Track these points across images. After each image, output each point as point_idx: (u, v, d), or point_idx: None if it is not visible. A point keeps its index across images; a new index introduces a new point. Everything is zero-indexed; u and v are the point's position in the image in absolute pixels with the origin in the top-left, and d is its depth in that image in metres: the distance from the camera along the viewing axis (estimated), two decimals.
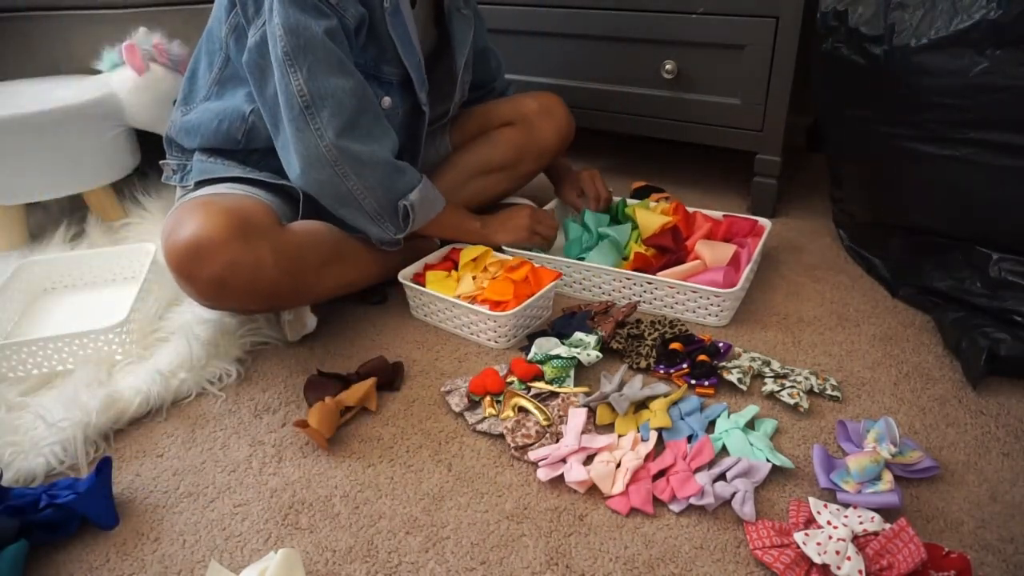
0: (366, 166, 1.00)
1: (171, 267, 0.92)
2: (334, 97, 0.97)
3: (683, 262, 1.17)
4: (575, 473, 0.81)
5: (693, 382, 0.96)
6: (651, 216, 1.25)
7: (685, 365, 0.98)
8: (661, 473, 0.81)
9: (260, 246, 0.93)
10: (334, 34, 0.97)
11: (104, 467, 0.81)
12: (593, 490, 0.81)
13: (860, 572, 0.66)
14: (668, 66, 1.43)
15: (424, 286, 1.12)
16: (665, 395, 0.92)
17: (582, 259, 1.20)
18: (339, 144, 0.97)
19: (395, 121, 1.13)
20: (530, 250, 1.22)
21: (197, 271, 0.91)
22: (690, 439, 0.87)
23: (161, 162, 1.19)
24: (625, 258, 1.22)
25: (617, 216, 1.33)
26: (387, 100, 1.10)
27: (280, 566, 0.68)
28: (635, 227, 1.28)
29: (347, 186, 1.00)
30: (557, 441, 0.87)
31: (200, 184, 1.07)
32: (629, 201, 1.35)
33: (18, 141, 1.35)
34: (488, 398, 0.93)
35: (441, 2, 1.18)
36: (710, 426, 0.89)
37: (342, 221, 1.09)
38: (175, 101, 1.17)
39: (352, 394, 0.93)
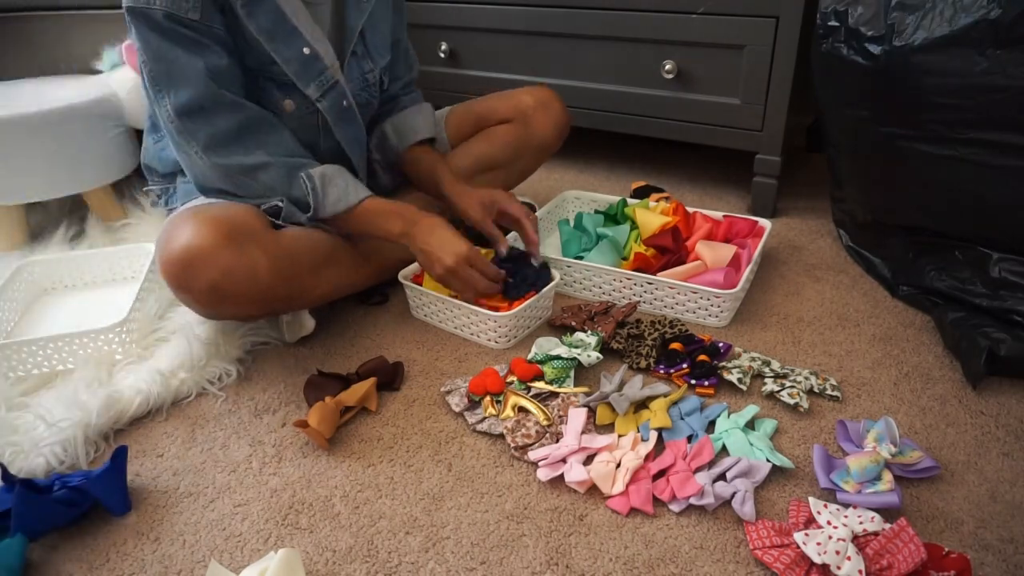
0: (256, 171, 0.98)
1: (167, 279, 0.92)
2: (203, 117, 0.94)
3: (683, 262, 1.17)
4: (575, 473, 0.81)
5: (693, 382, 0.96)
6: (651, 216, 1.25)
7: (685, 365, 0.98)
8: (661, 473, 0.81)
9: (253, 251, 0.93)
10: (203, 51, 0.93)
11: (120, 455, 0.82)
12: (593, 490, 0.81)
13: (860, 572, 0.66)
14: (668, 66, 1.43)
15: (423, 286, 1.12)
16: (665, 395, 0.92)
17: (581, 259, 1.20)
18: (219, 163, 0.96)
19: (308, 121, 1.06)
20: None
21: (192, 281, 0.90)
22: (690, 439, 0.87)
23: (145, 189, 1.19)
24: (625, 258, 1.22)
25: (616, 217, 1.33)
26: (288, 103, 1.04)
27: (280, 566, 0.68)
28: (635, 227, 1.28)
29: (248, 192, 0.99)
30: (557, 441, 0.87)
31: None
32: (630, 201, 1.35)
33: (18, 141, 1.35)
34: (488, 398, 0.93)
35: None
36: (710, 426, 0.89)
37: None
38: (145, 128, 1.17)
39: (352, 394, 0.93)
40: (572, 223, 1.33)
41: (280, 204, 1.00)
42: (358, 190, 1.03)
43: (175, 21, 0.91)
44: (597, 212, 1.36)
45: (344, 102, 1.08)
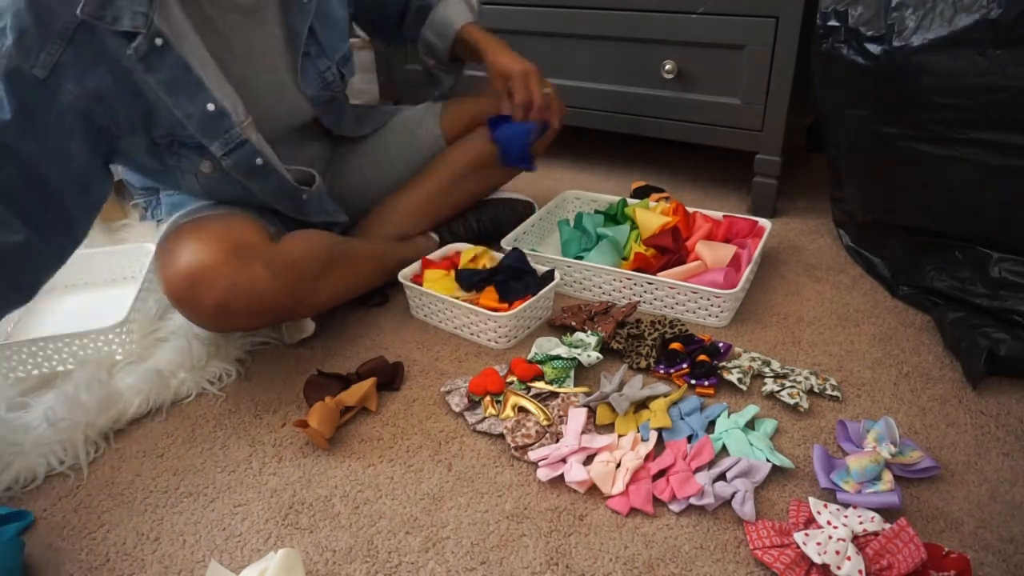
0: None
1: (171, 299, 0.92)
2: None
3: (683, 262, 1.17)
4: (575, 473, 0.81)
5: (693, 382, 0.96)
6: (651, 216, 1.25)
7: (685, 365, 0.98)
8: (661, 473, 0.81)
9: (255, 265, 0.92)
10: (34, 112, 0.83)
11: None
12: (593, 490, 0.81)
13: (860, 572, 0.66)
14: (668, 66, 1.43)
15: (423, 286, 1.12)
16: (665, 395, 0.92)
17: (581, 259, 1.20)
18: None
19: (232, 177, 0.98)
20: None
21: (198, 299, 0.90)
22: (690, 439, 0.87)
23: (131, 203, 1.18)
24: (625, 258, 1.22)
25: (616, 217, 1.33)
26: (206, 165, 0.97)
27: (280, 566, 0.68)
28: (635, 227, 1.28)
29: None
30: (557, 441, 0.87)
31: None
32: (629, 201, 1.35)
33: None
34: (488, 398, 0.93)
35: None
36: (710, 426, 0.89)
37: (334, 224, 1.08)
38: None
39: (352, 394, 0.93)
40: (572, 223, 1.33)
41: None
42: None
43: (17, 78, 0.81)
44: (597, 212, 1.36)
45: (257, 160, 0.97)
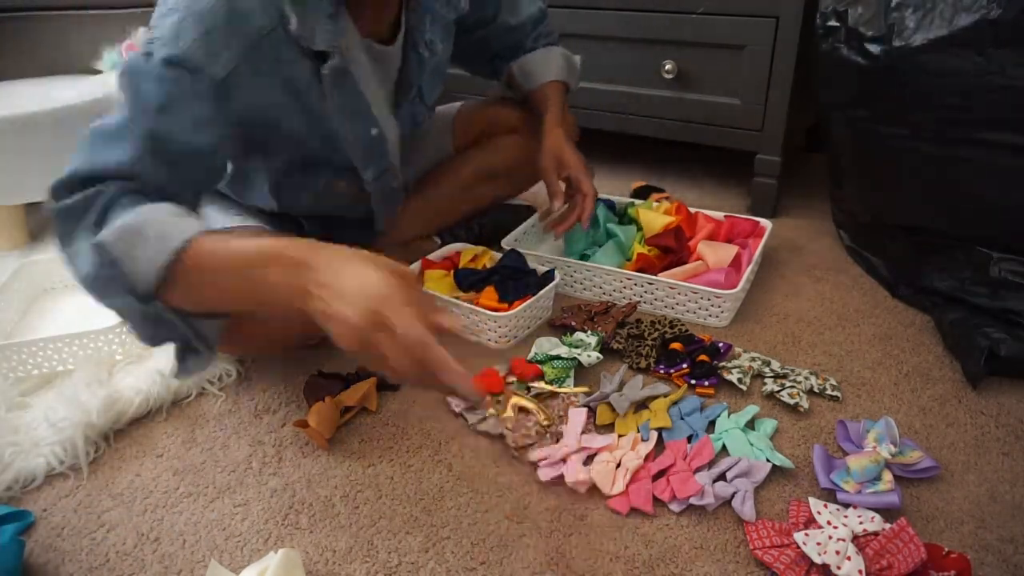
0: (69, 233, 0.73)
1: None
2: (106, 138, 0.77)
3: (685, 263, 1.17)
4: (575, 473, 0.80)
5: (693, 382, 0.96)
6: (655, 216, 1.25)
7: (685, 365, 0.98)
8: (661, 473, 0.81)
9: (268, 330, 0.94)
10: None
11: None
12: (593, 490, 0.81)
13: (860, 572, 0.66)
14: (668, 66, 1.43)
15: (423, 286, 1.12)
16: (665, 395, 0.92)
17: (587, 257, 1.20)
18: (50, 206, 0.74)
19: (350, 199, 1.02)
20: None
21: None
22: (690, 439, 0.87)
23: None
24: (628, 259, 1.22)
25: (623, 218, 1.33)
26: (341, 184, 0.98)
27: (280, 566, 0.68)
28: (638, 228, 1.28)
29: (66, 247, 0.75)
30: (557, 441, 0.87)
31: None
32: (626, 200, 1.35)
33: (18, 141, 1.35)
34: (488, 398, 0.93)
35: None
36: (710, 426, 0.89)
37: (344, 237, 1.08)
38: None
39: (352, 394, 0.93)
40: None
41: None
42: (182, 225, 0.69)
43: (191, 69, 0.75)
44: (607, 203, 1.34)
45: (394, 184, 1.05)
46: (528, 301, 1.06)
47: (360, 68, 0.90)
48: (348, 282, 0.61)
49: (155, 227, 0.68)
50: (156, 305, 0.69)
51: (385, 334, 0.59)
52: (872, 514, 0.72)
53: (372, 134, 0.95)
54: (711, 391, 0.95)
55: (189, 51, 0.75)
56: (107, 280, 0.69)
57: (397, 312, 0.59)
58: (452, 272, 1.15)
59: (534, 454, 0.85)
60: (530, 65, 1.22)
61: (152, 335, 0.75)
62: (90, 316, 1.17)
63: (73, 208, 0.70)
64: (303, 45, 0.82)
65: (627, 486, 0.79)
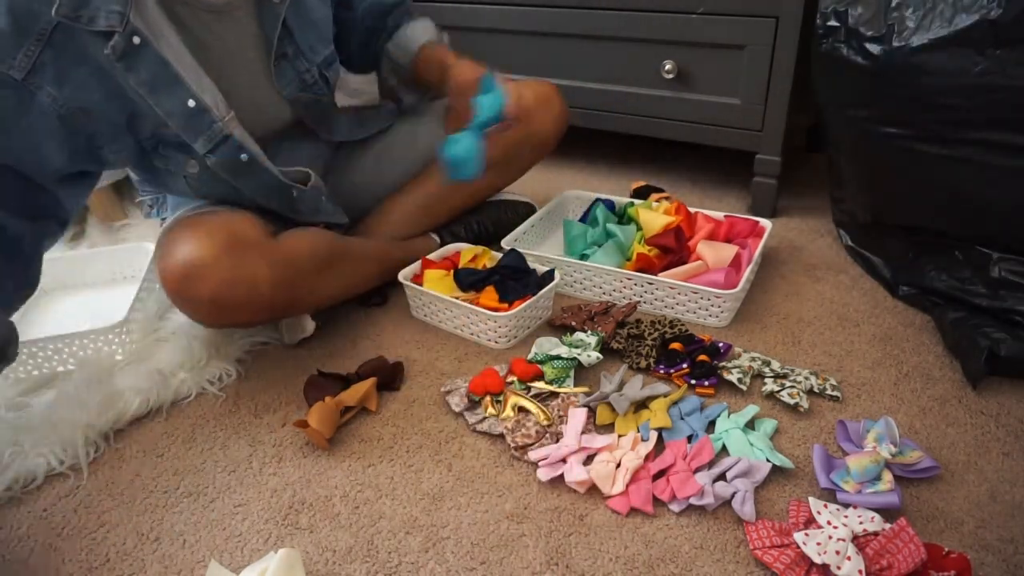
0: None
1: (167, 291, 0.92)
2: None
3: (685, 263, 1.17)
4: (575, 473, 0.81)
5: (693, 382, 0.96)
6: (655, 216, 1.25)
7: (685, 365, 0.98)
8: (661, 473, 0.81)
9: (253, 261, 0.92)
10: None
11: None
12: (593, 490, 0.81)
13: (860, 572, 0.66)
14: (668, 66, 1.43)
15: (423, 286, 1.12)
16: (665, 395, 0.92)
17: (586, 257, 1.20)
18: None
19: (219, 176, 0.97)
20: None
21: (193, 292, 0.90)
22: (690, 439, 0.87)
23: (137, 200, 1.18)
24: (628, 259, 1.22)
25: (623, 218, 1.33)
26: (192, 163, 0.96)
27: (280, 566, 0.68)
28: (638, 228, 1.28)
29: None
30: (557, 441, 0.87)
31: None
32: (626, 200, 1.35)
33: None
34: (488, 398, 0.93)
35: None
36: (710, 426, 0.89)
37: (335, 226, 1.08)
38: None
39: (352, 394, 0.93)
40: (580, 217, 1.32)
41: None
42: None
43: None
44: (607, 203, 1.34)
45: (242, 156, 0.96)
46: (528, 301, 1.06)
47: (167, 40, 0.87)
48: None
49: None
50: None
51: None
52: (872, 514, 0.72)
53: (189, 106, 0.89)
54: (711, 391, 0.95)
55: None
56: None
57: None
58: (452, 272, 1.15)
59: (534, 454, 0.85)
60: (403, 37, 1.21)
61: None
62: (90, 316, 1.18)
63: None
64: (89, 29, 0.81)
65: (627, 486, 0.79)
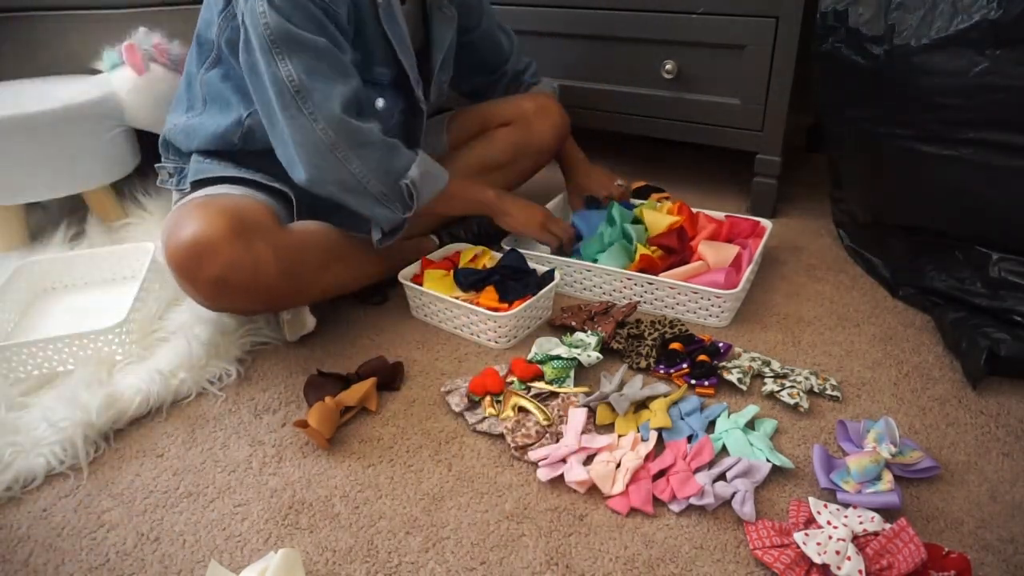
0: (364, 146, 0.99)
1: (172, 268, 0.93)
2: (324, 78, 0.96)
3: (687, 263, 1.17)
4: (575, 473, 0.81)
5: (693, 382, 0.96)
6: (659, 216, 1.25)
7: (685, 365, 0.98)
8: (661, 473, 0.81)
9: (259, 246, 0.93)
10: (324, 30, 0.96)
11: None
12: (593, 490, 0.81)
13: (860, 572, 0.66)
14: (668, 66, 1.43)
15: (423, 286, 1.12)
16: (665, 395, 0.92)
17: (596, 260, 1.20)
18: (336, 122, 0.96)
19: (389, 123, 1.12)
20: (536, 250, 1.22)
21: (198, 271, 0.91)
22: (690, 439, 0.87)
23: (157, 165, 1.19)
24: (632, 260, 1.22)
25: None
26: (380, 101, 1.09)
27: (280, 566, 0.68)
28: (644, 229, 1.28)
29: (349, 169, 0.98)
30: (557, 441, 0.87)
31: (197, 184, 1.07)
32: (634, 202, 1.35)
33: (18, 141, 1.35)
34: (488, 398, 0.93)
35: (424, 1, 1.17)
36: (710, 426, 0.89)
37: (341, 221, 1.09)
38: (171, 104, 1.17)
39: (352, 394, 0.93)
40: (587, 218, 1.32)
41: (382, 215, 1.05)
42: (439, 175, 1.09)
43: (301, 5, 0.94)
44: (625, 204, 1.35)
45: (422, 106, 1.16)
46: (528, 301, 1.06)
47: (398, 6, 1.06)
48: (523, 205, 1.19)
49: (432, 173, 1.07)
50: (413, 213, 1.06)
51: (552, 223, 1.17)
52: (872, 514, 0.72)
53: (414, 57, 1.10)
54: (711, 391, 0.95)
55: None
56: (390, 196, 1.03)
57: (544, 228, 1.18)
58: (452, 272, 1.15)
59: (534, 454, 0.85)
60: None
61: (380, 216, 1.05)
62: (90, 316, 1.18)
63: (356, 135, 0.99)
64: None
65: (627, 486, 0.79)
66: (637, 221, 1.30)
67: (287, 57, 0.94)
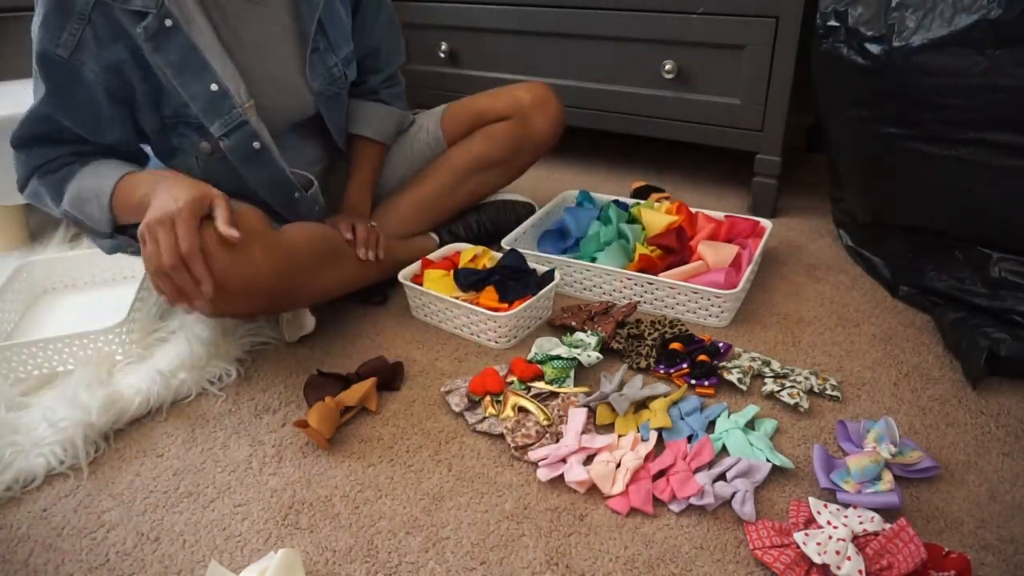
0: (38, 198, 1.01)
1: None
2: (35, 147, 0.97)
3: (687, 263, 1.17)
4: (575, 473, 0.81)
5: (693, 382, 0.96)
6: (657, 216, 1.25)
7: (685, 365, 0.98)
8: (661, 473, 0.81)
9: (253, 250, 0.92)
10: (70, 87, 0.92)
11: None
12: (593, 490, 0.81)
13: (860, 572, 0.66)
14: (668, 66, 1.43)
15: (423, 286, 1.12)
16: (665, 395, 0.92)
17: (595, 260, 1.20)
18: (28, 192, 1.00)
19: (229, 164, 1.02)
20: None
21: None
22: (690, 439, 0.87)
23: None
24: (631, 259, 1.22)
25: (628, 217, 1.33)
26: (204, 145, 1.02)
27: (280, 566, 0.68)
28: (643, 228, 1.28)
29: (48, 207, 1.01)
30: (557, 441, 0.87)
31: None
32: (631, 201, 1.35)
33: None
34: (488, 398, 0.93)
35: None
36: (710, 426, 0.89)
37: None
38: None
39: (352, 394, 0.93)
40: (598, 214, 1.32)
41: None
42: (102, 189, 0.95)
43: (46, 58, 0.91)
44: (621, 205, 1.35)
45: (255, 143, 1.02)
46: (528, 301, 1.06)
47: (197, 25, 0.94)
48: (157, 201, 0.87)
49: (90, 189, 0.95)
50: (116, 236, 1.00)
51: (163, 230, 0.84)
52: (872, 514, 0.72)
53: (212, 89, 0.96)
54: (711, 391, 0.95)
55: (40, 42, 0.90)
56: (80, 225, 0.98)
57: (180, 219, 0.84)
58: (452, 272, 1.15)
59: (534, 454, 0.85)
60: (357, 111, 1.27)
61: (109, 248, 1.04)
62: (90, 316, 1.18)
63: (35, 192, 0.99)
64: (125, 8, 0.90)
65: (627, 486, 0.79)
66: (633, 221, 1.30)
67: (36, 90, 0.95)
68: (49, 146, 0.98)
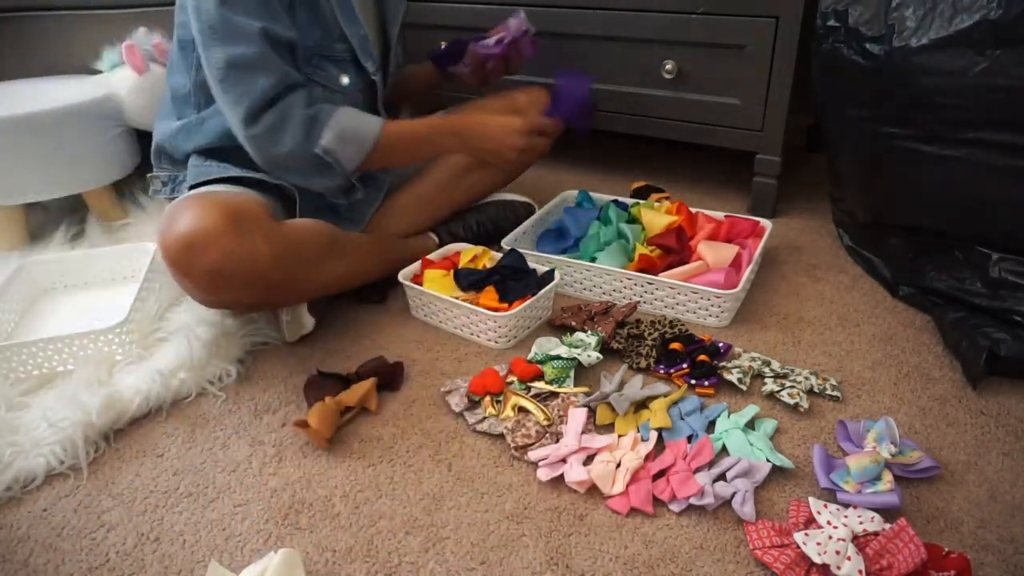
0: (278, 131, 1.01)
1: (167, 261, 0.92)
2: (246, 70, 0.98)
3: (686, 263, 1.17)
4: (575, 473, 0.81)
5: (693, 382, 0.96)
6: (657, 216, 1.25)
7: (685, 365, 0.98)
8: (661, 473, 0.81)
9: (255, 238, 0.93)
10: (263, 16, 0.98)
11: None
12: (593, 490, 0.81)
13: (860, 572, 0.66)
14: (668, 66, 1.43)
15: (423, 286, 1.12)
16: (665, 395, 0.92)
17: (595, 258, 1.20)
18: (246, 115, 0.99)
19: (353, 98, 1.15)
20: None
21: (193, 263, 0.90)
22: (690, 439, 0.87)
23: (149, 175, 1.19)
24: (631, 259, 1.22)
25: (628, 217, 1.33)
26: (344, 79, 1.13)
27: (280, 566, 0.68)
28: (642, 228, 1.28)
29: (271, 151, 1.02)
30: (557, 441, 0.87)
31: (194, 187, 1.07)
32: (631, 201, 1.35)
33: (18, 141, 1.35)
34: (488, 398, 0.93)
35: None
36: (710, 426, 0.89)
37: (339, 220, 1.09)
38: (158, 112, 1.17)
39: (352, 394, 0.93)
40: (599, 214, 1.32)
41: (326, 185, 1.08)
42: (362, 131, 1.06)
43: None
44: (621, 205, 1.35)
45: (375, 78, 1.18)
46: (528, 301, 1.06)
47: None
48: (491, 131, 1.15)
49: (353, 133, 1.05)
50: (349, 176, 1.08)
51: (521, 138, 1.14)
52: (872, 514, 0.72)
53: (362, 34, 1.12)
54: (711, 391, 0.95)
55: None
56: (319, 166, 1.04)
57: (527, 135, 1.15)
58: (452, 272, 1.15)
59: (534, 454, 0.85)
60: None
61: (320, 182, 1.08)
62: (90, 316, 1.18)
63: (273, 125, 1.01)
64: None
65: (627, 486, 0.79)
66: (633, 221, 1.30)
67: (217, 46, 0.97)
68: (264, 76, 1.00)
